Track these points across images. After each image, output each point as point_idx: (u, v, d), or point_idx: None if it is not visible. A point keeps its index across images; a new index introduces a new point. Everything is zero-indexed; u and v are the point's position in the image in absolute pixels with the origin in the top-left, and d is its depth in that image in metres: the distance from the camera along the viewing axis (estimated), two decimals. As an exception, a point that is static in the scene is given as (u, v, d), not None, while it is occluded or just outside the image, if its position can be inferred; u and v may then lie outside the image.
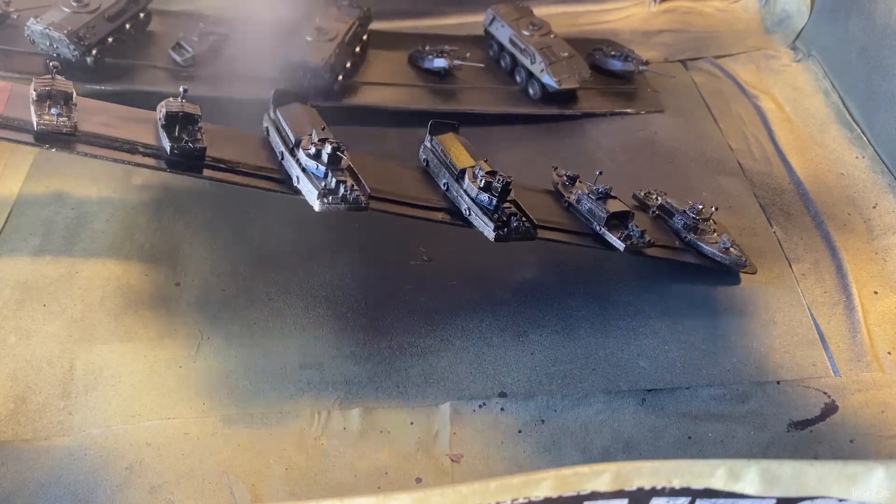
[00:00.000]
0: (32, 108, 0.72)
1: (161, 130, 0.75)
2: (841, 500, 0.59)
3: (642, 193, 0.92)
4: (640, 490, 0.56)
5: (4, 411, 0.71)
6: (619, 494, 0.56)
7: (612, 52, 1.16)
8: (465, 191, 0.78)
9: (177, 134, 0.74)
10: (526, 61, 1.09)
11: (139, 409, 0.71)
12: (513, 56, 1.12)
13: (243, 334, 0.79)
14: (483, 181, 0.76)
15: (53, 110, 0.72)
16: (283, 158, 0.78)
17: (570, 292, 0.85)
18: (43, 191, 0.93)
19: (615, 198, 0.83)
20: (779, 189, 0.99)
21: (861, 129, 1.06)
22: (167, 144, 0.74)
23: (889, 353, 0.79)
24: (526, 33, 1.11)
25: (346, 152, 0.75)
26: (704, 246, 0.86)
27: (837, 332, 0.81)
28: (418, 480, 0.67)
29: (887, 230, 0.92)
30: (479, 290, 0.85)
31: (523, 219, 0.77)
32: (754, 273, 0.87)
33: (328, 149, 0.73)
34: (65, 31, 0.96)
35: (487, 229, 0.76)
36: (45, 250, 0.86)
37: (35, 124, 0.71)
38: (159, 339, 0.78)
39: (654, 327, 0.81)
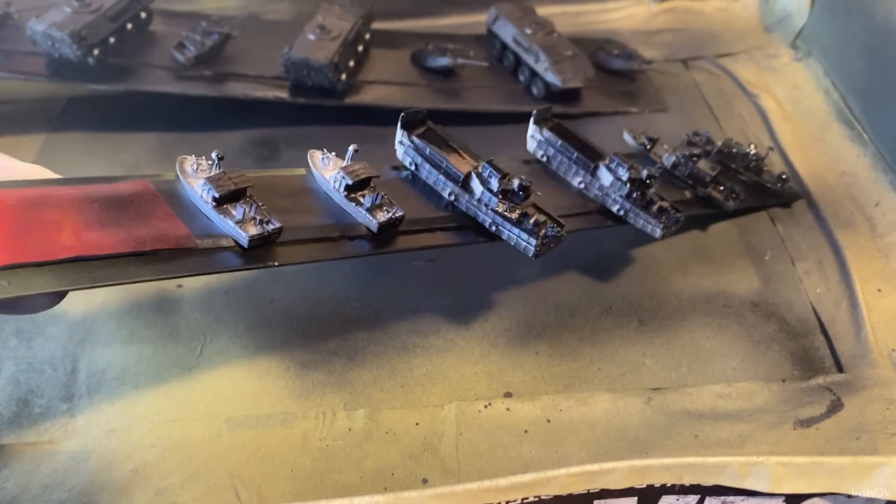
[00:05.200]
0: (233, 224, 0.59)
1: (349, 203, 0.66)
2: (849, 496, 0.59)
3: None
4: (651, 487, 0.56)
5: (7, 414, 0.70)
6: (629, 492, 0.56)
7: (616, 52, 1.16)
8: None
9: (370, 206, 0.66)
10: (530, 60, 1.09)
11: (143, 411, 0.71)
12: (516, 55, 1.12)
13: (246, 336, 0.78)
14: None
15: (252, 215, 0.59)
16: (455, 199, 0.72)
17: (574, 291, 0.85)
18: (44, 192, 0.92)
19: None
20: (781, 187, 0.99)
21: (862, 127, 1.06)
22: (372, 222, 0.65)
23: (893, 349, 0.78)
24: (529, 32, 1.10)
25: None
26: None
27: (841, 329, 0.81)
28: (424, 481, 0.67)
29: (890, 228, 0.92)
30: (483, 291, 0.84)
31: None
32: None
33: (515, 184, 0.67)
34: (66, 31, 0.95)
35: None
36: (46, 252, 0.85)
37: (246, 239, 0.58)
38: (162, 340, 0.77)
39: (658, 326, 0.81)
